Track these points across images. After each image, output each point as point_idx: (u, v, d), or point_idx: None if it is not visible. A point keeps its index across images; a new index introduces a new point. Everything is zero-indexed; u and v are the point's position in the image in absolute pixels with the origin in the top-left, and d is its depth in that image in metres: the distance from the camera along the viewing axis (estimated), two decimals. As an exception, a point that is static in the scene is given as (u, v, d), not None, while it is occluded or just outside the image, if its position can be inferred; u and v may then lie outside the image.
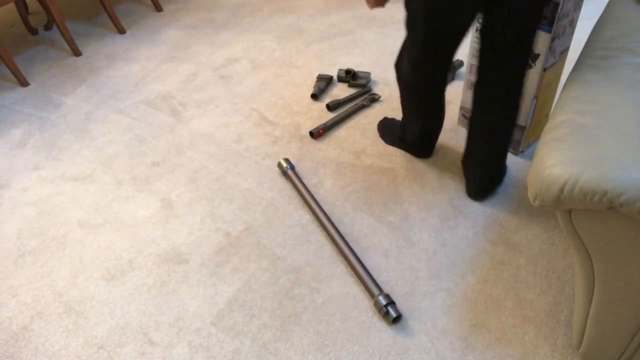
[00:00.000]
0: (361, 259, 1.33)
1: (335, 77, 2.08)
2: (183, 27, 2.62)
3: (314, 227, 1.45)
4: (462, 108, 1.74)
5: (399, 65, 1.43)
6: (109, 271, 1.38)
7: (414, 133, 1.57)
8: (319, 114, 1.90)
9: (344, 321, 1.21)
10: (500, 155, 1.44)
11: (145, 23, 2.69)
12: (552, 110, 1.03)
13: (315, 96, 1.98)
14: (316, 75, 2.12)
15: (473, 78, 1.63)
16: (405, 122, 1.58)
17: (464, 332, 1.17)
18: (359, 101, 1.93)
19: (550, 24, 1.32)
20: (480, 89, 1.35)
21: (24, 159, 1.81)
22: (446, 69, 1.36)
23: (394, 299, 1.24)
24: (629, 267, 0.81)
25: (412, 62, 1.34)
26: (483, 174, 1.45)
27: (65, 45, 2.47)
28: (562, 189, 0.74)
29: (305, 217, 1.48)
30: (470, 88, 1.66)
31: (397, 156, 1.67)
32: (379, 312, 1.20)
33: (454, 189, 1.53)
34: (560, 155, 0.77)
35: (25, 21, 2.63)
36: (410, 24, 1.27)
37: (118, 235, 1.48)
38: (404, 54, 1.38)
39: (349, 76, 2.01)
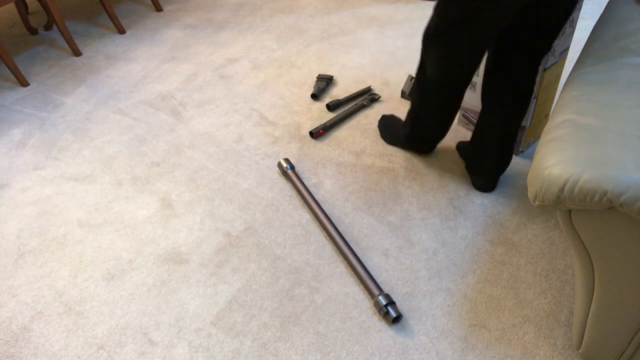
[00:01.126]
0: (361, 259, 1.33)
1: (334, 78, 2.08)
2: (183, 27, 2.62)
3: (314, 227, 1.45)
4: (462, 108, 1.74)
5: (421, 69, 1.39)
6: (109, 271, 1.38)
7: (423, 136, 1.57)
8: (319, 114, 1.90)
9: (344, 321, 1.21)
10: (510, 148, 1.45)
11: (145, 23, 2.69)
12: (552, 110, 1.03)
13: (315, 96, 1.98)
14: (316, 75, 2.12)
15: (476, 78, 1.63)
16: (413, 123, 1.56)
17: (464, 332, 1.17)
18: (359, 101, 1.93)
19: (550, 24, 1.32)
20: (493, 86, 1.37)
21: (24, 159, 1.81)
22: (473, 72, 1.33)
23: (394, 299, 1.24)
24: (629, 267, 0.81)
25: (442, 64, 1.31)
26: (494, 169, 1.48)
27: (65, 45, 2.47)
28: (562, 189, 0.74)
29: (305, 217, 1.48)
30: (471, 88, 1.66)
31: (397, 156, 1.67)
32: (379, 312, 1.20)
33: (454, 189, 1.53)
34: (560, 155, 0.77)
35: (25, 21, 2.63)
36: (446, 25, 1.21)
37: (118, 235, 1.48)
38: (431, 56, 1.32)
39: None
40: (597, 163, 0.73)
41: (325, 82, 2.02)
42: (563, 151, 0.77)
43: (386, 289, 1.27)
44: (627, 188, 0.68)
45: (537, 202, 0.80)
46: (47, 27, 2.68)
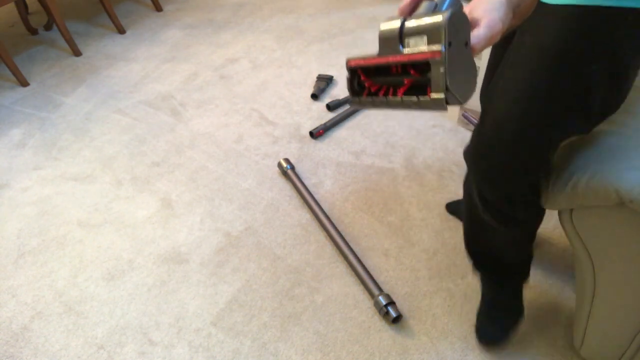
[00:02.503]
0: (361, 259, 1.33)
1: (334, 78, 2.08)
2: (183, 27, 2.62)
3: (314, 227, 1.45)
4: (461, 108, 1.74)
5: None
6: (109, 271, 1.38)
7: None
8: (319, 114, 1.90)
9: (344, 321, 1.21)
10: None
11: (145, 23, 2.69)
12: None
13: (315, 96, 1.98)
14: (316, 75, 2.12)
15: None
16: None
17: (464, 332, 1.16)
18: (359, 101, 1.92)
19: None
20: None
21: (24, 159, 1.81)
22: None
23: (394, 299, 1.24)
24: (631, 267, 0.80)
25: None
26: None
27: (65, 45, 2.47)
28: (572, 185, 0.73)
29: (305, 217, 1.48)
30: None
31: (397, 156, 1.67)
32: (379, 312, 1.20)
33: (454, 189, 1.53)
34: (571, 150, 0.76)
35: (25, 21, 2.63)
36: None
37: (118, 235, 1.48)
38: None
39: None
40: (608, 158, 0.71)
41: (325, 82, 2.02)
42: (574, 146, 0.76)
43: (386, 289, 1.27)
44: (637, 184, 0.67)
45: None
46: (47, 27, 2.68)
